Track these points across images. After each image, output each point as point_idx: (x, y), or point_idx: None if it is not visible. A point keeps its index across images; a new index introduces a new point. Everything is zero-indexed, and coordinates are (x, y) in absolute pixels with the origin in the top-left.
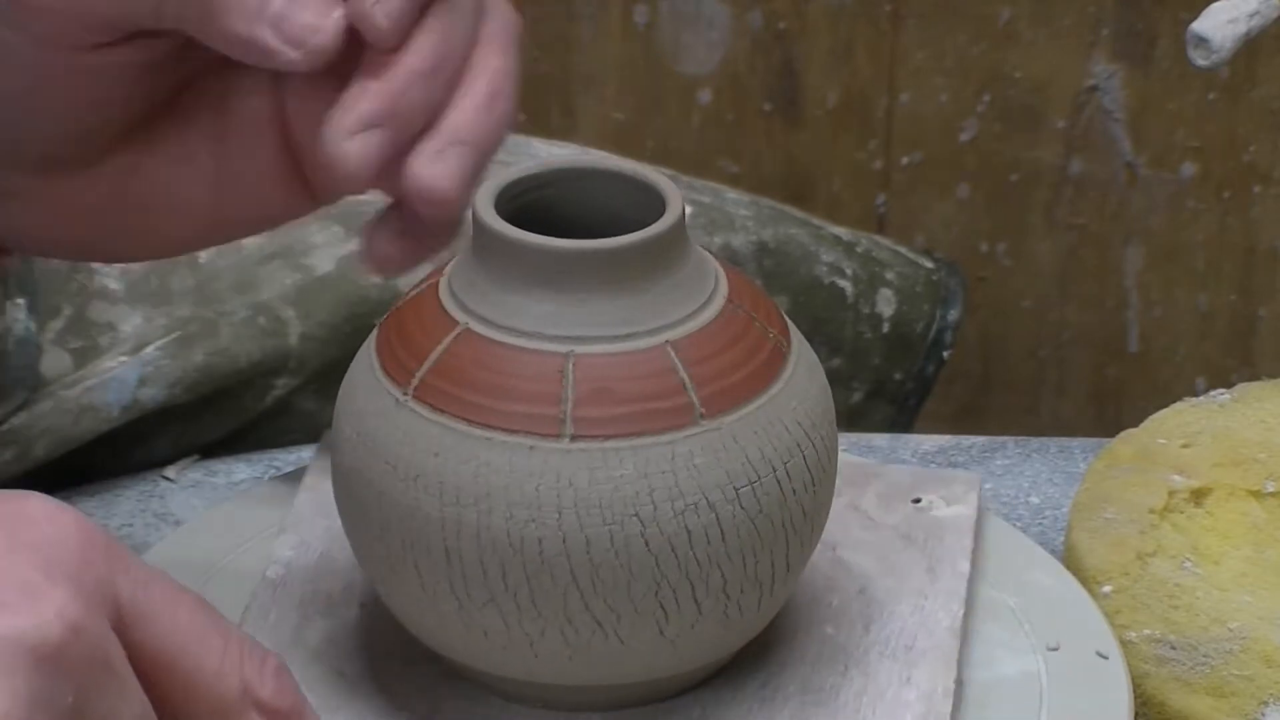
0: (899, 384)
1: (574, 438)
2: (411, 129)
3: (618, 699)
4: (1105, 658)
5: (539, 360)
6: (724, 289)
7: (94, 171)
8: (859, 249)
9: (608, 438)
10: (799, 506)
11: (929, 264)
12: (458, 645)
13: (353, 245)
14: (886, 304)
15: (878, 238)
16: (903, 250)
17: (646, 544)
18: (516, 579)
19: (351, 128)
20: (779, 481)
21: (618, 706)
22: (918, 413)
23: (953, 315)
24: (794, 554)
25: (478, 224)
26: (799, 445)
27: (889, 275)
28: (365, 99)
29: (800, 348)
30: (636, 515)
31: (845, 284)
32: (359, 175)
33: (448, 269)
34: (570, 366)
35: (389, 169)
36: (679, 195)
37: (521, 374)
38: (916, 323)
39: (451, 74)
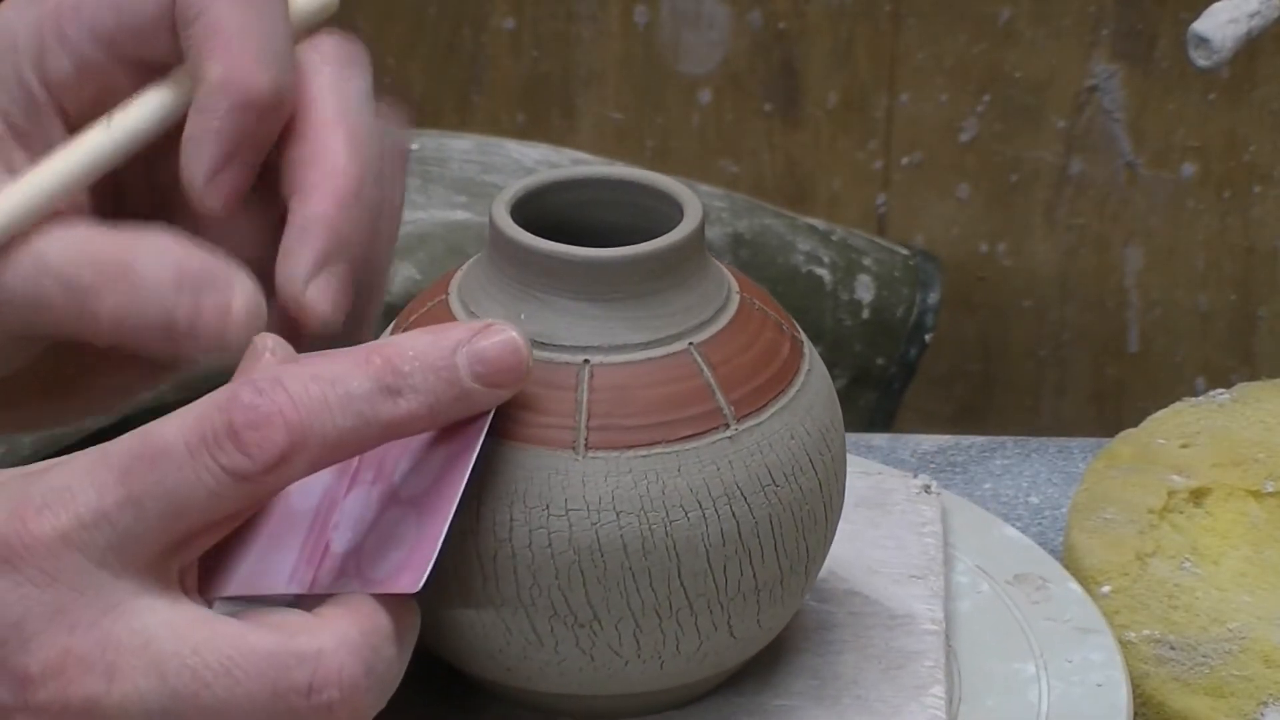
0: (882, 369)
1: (590, 447)
2: (355, 252)
3: (630, 707)
4: (1104, 658)
5: (555, 371)
6: (736, 287)
7: None
8: (834, 238)
9: (628, 447)
10: (823, 504)
11: (904, 250)
12: (480, 655)
13: None
14: (865, 290)
15: (853, 228)
16: (877, 239)
17: (672, 549)
18: (532, 588)
19: (309, 273)
20: (806, 480)
21: (632, 714)
22: (901, 398)
23: (932, 298)
24: (818, 553)
25: (499, 236)
26: (824, 439)
27: (866, 262)
28: (311, 239)
29: (808, 343)
30: (659, 522)
31: (823, 272)
32: (333, 319)
33: (455, 280)
34: (586, 376)
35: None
36: (697, 200)
37: (540, 384)
38: (896, 307)
39: (378, 197)
